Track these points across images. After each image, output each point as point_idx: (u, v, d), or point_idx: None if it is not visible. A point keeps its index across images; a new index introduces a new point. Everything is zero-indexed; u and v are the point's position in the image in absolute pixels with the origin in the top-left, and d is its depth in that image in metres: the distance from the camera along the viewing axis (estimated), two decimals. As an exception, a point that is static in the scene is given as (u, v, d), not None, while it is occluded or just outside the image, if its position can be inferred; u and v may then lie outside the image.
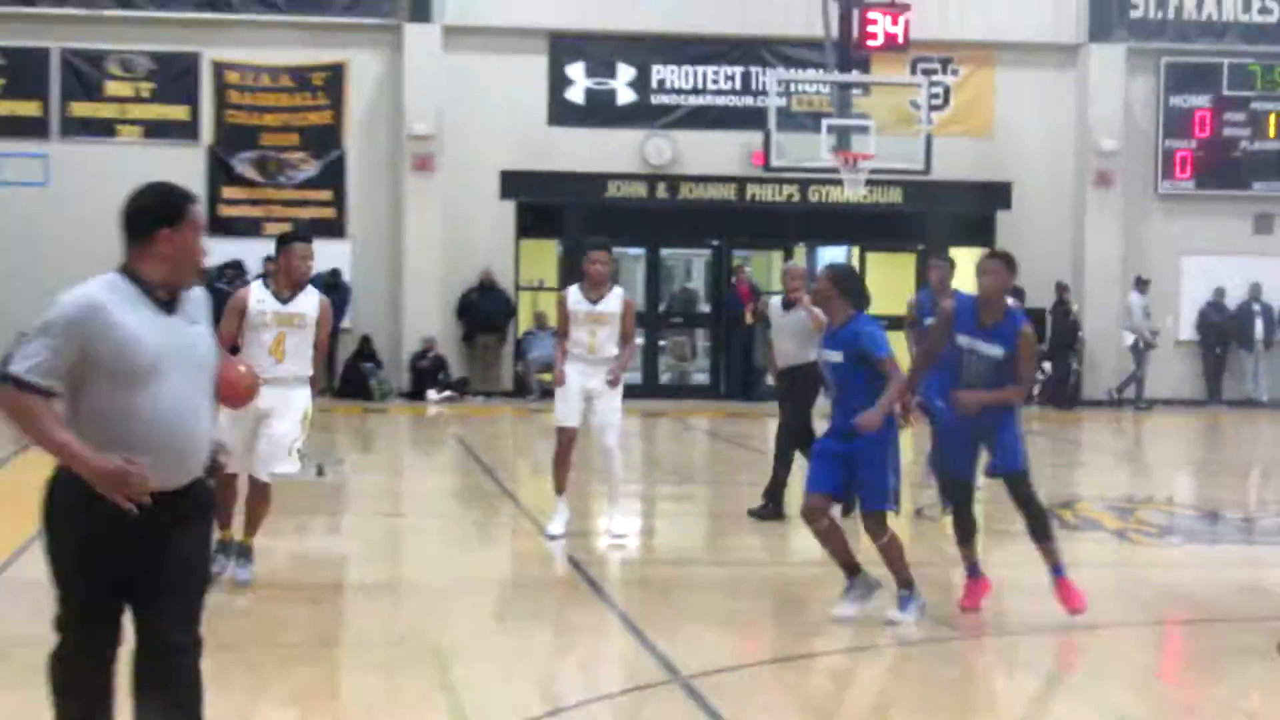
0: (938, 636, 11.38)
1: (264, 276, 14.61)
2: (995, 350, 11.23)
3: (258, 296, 12.46)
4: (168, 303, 6.33)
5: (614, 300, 14.87)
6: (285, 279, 12.56)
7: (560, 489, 15.09)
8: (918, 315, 18.12)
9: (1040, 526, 11.76)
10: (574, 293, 14.97)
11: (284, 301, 12.40)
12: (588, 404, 14.82)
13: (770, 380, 19.05)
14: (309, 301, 12.47)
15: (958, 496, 11.92)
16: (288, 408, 12.17)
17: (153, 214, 6.45)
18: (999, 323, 11.36)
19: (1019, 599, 13.45)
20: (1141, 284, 32.54)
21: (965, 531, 11.85)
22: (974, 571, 11.80)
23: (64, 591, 6.41)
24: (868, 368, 10.95)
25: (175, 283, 6.37)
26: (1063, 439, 28.28)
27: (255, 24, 32.14)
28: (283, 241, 12.82)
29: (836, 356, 11.13)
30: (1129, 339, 32.57)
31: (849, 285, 11.42)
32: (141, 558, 6.23)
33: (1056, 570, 11.69)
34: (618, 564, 14.78)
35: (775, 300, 17.16)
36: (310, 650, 10.93)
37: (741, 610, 12.09)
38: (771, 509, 16.40)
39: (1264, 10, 34.07)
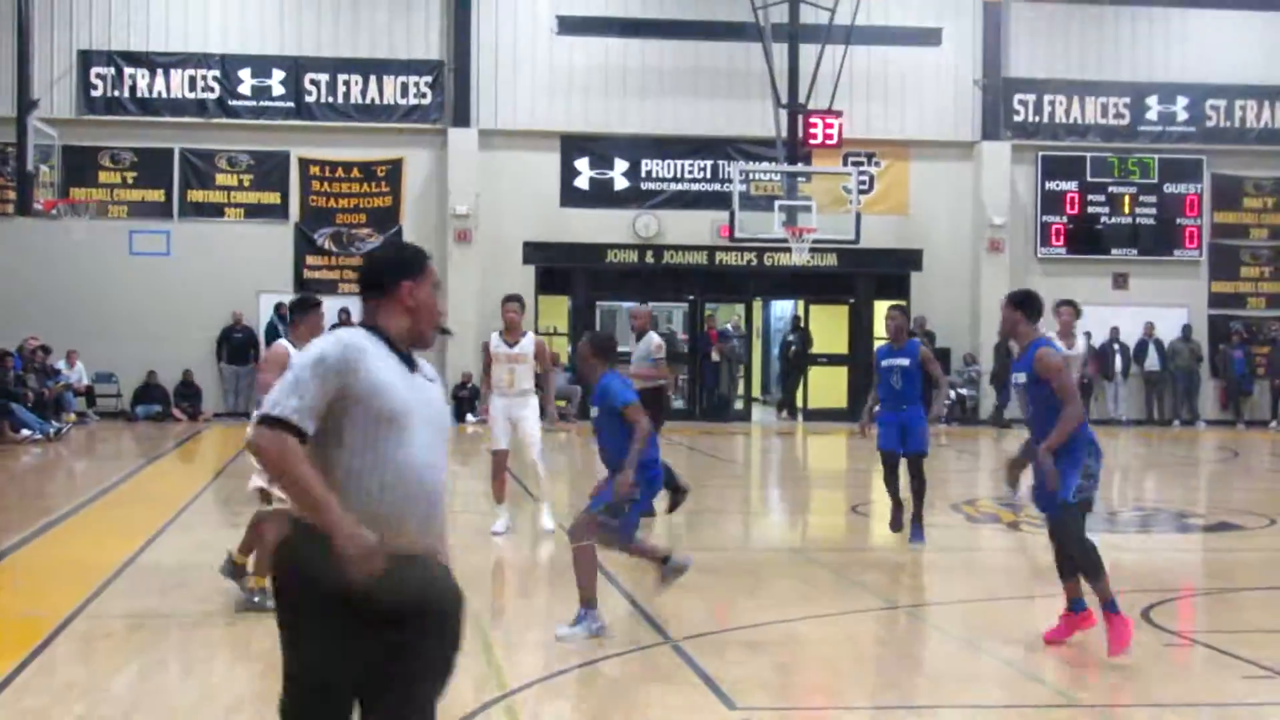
0: (868, 607, 11.32)
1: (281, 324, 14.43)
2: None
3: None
4: (408, 358, 5.11)
5: (528, 343, 14.61)
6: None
7: (500, 499, 14.80)
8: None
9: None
10: (495, 339, 14.73)
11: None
12: (513, 428, 14.51)
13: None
14: None
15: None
16: None
17: (395, 267, 5.19)
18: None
19: (936, 577, 13.41)
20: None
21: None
22: (1076, 605, 10.00)
23: (295, 672, 5.01)
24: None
25: (416, 336, 5.13)
26: (966, 450, 28.23)
27: (332, 129, 32.16)
28: (305, 305, 11.24)
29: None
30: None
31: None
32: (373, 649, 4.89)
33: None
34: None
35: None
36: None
37: (720, 586, 12.00)
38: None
39: (1118, 115, 34.15)
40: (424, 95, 32.35)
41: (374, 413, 4.87)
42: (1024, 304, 9.80)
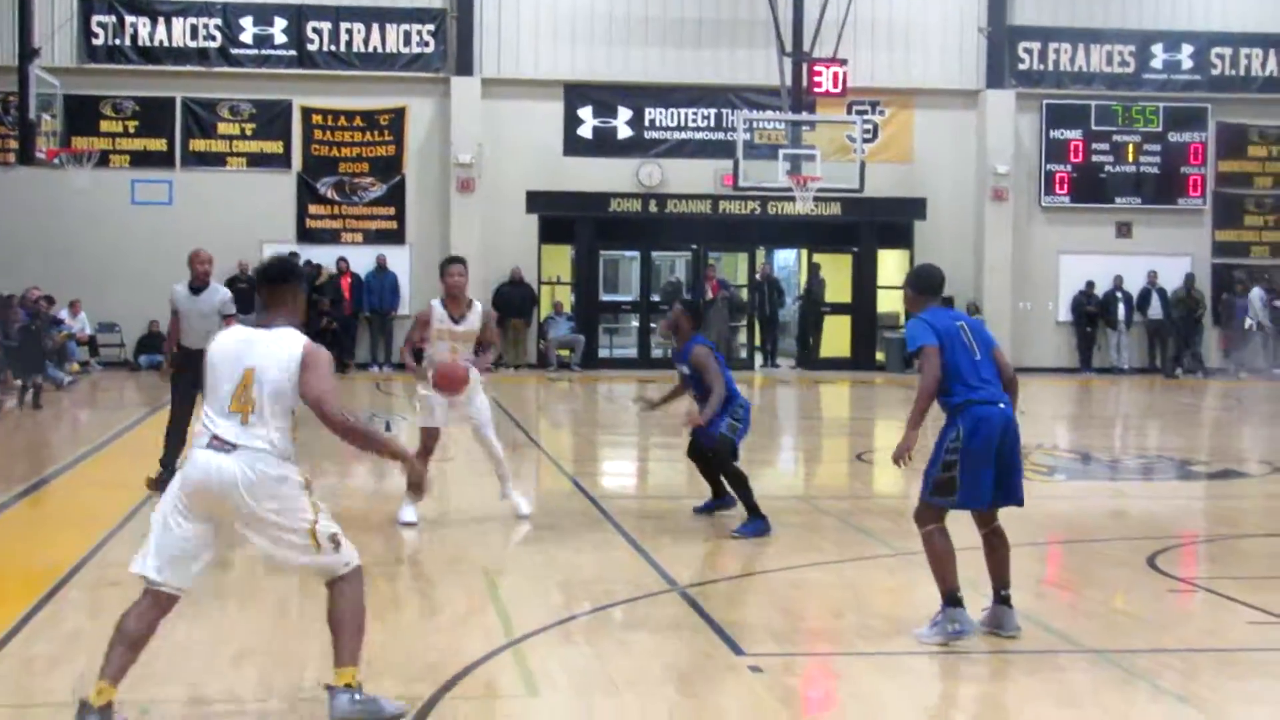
0: (874, 554, 11.37)
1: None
2: None
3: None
4: None
5: (475, 318, 12.47)
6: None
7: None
8: None
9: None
10: (438, 311, 12.46)
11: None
12: (453, 409, 12.49)
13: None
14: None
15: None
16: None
17: None
18: None
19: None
20: (1260, 280, 33.32)
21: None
22: None
23: None
24: None
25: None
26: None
27: (335, 78, 32.03)
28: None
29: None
30: (1248, 323, 33.02)
31: None
32: None
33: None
34: (623, 499, 14.73)
35: (180, 286, 14.38)
36: (383, 568, 10.89)
37: (723, 535, 12.03)
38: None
39: (1123, 63, 34.00)
40: (427, 44, 32.20)
41: None
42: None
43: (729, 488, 12.24)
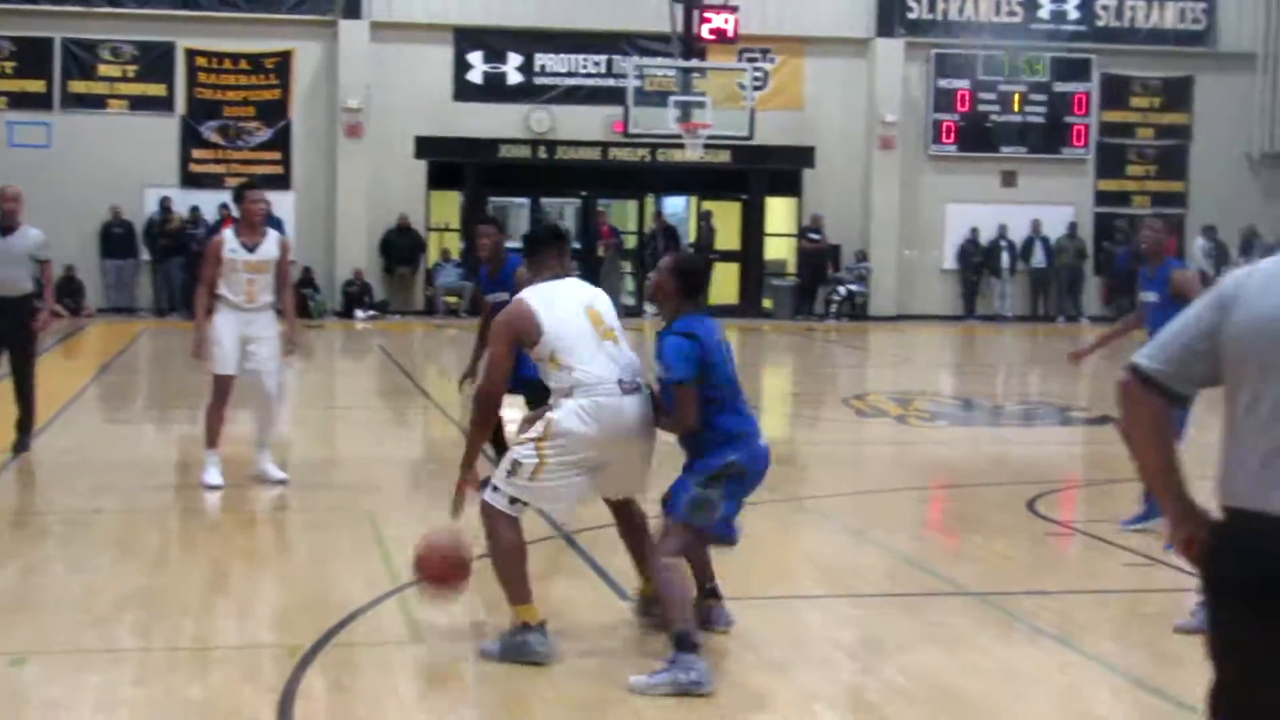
0: (760, 500, 11.43)
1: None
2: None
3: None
4: None
5: (271, 245, 11.41)
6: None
7: (213, 443, 11.41)
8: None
9: None
10: (229, 239, 11.36)
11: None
12: (244, 352, 11.28)
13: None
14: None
15: None
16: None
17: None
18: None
19: (826, 470, 13.54)
20: (1207, 231, 33.29)
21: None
22: None
23: None
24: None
25: None
26: (855, 346, 28.48)
27: (219, 19, 31.50)
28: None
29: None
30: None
31: None
32: None
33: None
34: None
35: None
36: (267, 514, 10.81)
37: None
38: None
39: (1011, 13, 34.25)
40: (313, -14, 31.78)
41: None
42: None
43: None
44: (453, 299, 32.22)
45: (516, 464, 6.95)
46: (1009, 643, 7.56)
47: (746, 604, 7.85)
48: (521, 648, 6.94)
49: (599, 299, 7.35)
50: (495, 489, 7.05)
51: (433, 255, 32.86)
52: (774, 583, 8.70)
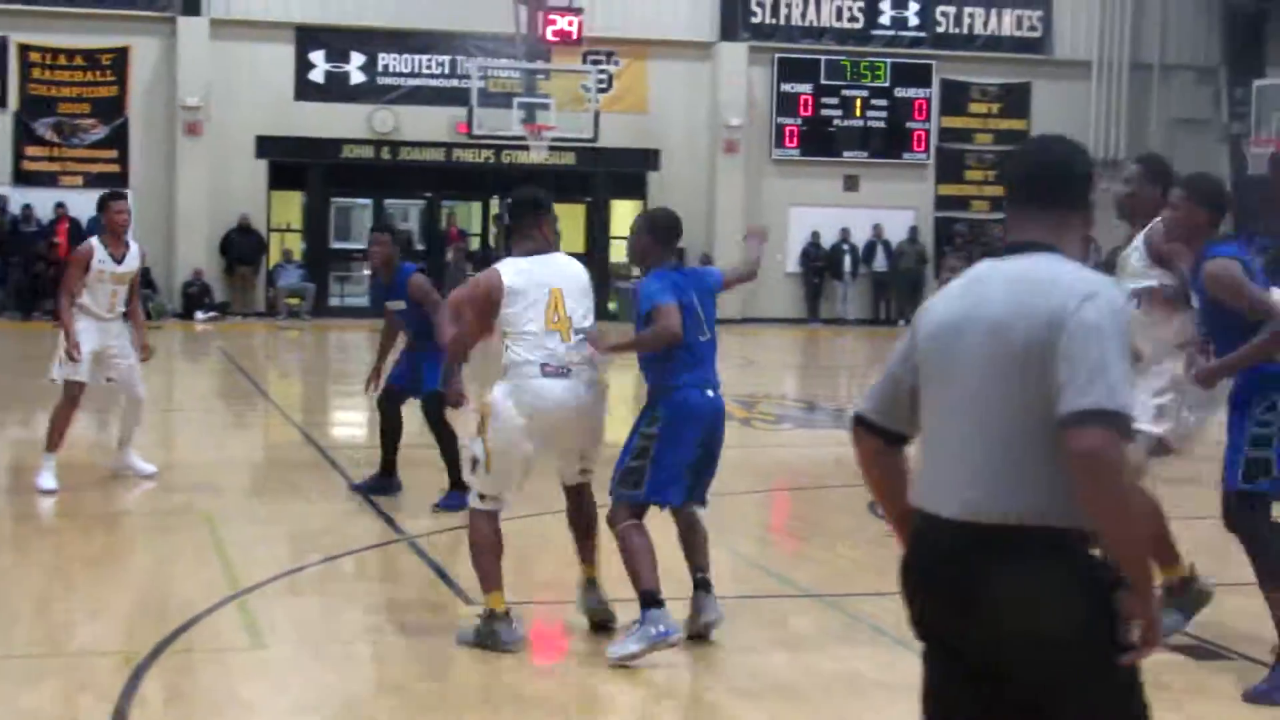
0: (605, 503, 11.42)
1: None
2: None
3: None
4: None
5: (135, 258, 11.46)
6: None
7: (53, 447, 11.19)
8: None
9: None
10: (99, 250, 11.24)
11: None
12: (106, 363, 11.39)
13: None
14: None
15: None
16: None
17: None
18: None
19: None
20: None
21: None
22: None
23: None
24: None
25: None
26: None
27: (54, 14, 30.85)
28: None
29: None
30: None
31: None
32: None
33: None
34: (353, 449, 14.53)
35: None
36: (105, 520, 10.61)
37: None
38: None
39: (853, 19, 34.70)
40: (151, -19, 31.25)
41: None
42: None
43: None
44: (294, 300, 31.86)
45: (474, 460, 7.35)
46: (852, 644, 7.65)
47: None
48: (490, 636, 7.19)
49: (573, 282, 7.37)
50: (467, 487, 7.60)
51: (274, 256, 32.48)
52: (618, 586, 8.72)
